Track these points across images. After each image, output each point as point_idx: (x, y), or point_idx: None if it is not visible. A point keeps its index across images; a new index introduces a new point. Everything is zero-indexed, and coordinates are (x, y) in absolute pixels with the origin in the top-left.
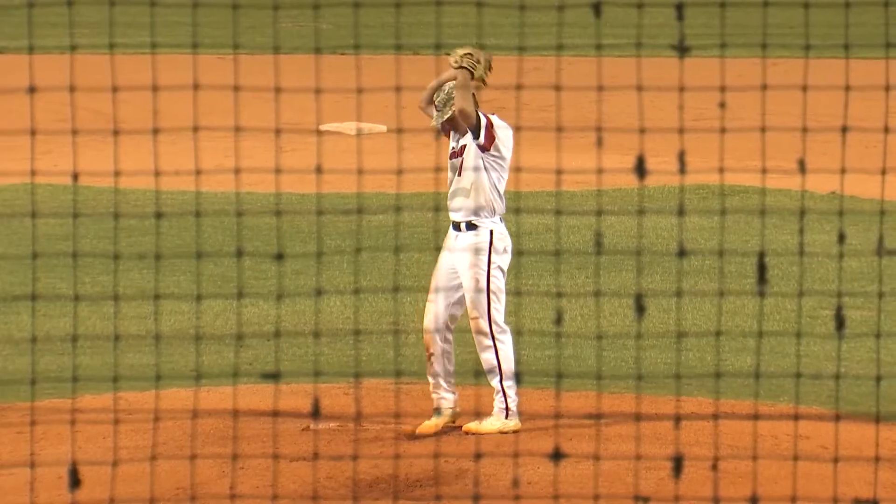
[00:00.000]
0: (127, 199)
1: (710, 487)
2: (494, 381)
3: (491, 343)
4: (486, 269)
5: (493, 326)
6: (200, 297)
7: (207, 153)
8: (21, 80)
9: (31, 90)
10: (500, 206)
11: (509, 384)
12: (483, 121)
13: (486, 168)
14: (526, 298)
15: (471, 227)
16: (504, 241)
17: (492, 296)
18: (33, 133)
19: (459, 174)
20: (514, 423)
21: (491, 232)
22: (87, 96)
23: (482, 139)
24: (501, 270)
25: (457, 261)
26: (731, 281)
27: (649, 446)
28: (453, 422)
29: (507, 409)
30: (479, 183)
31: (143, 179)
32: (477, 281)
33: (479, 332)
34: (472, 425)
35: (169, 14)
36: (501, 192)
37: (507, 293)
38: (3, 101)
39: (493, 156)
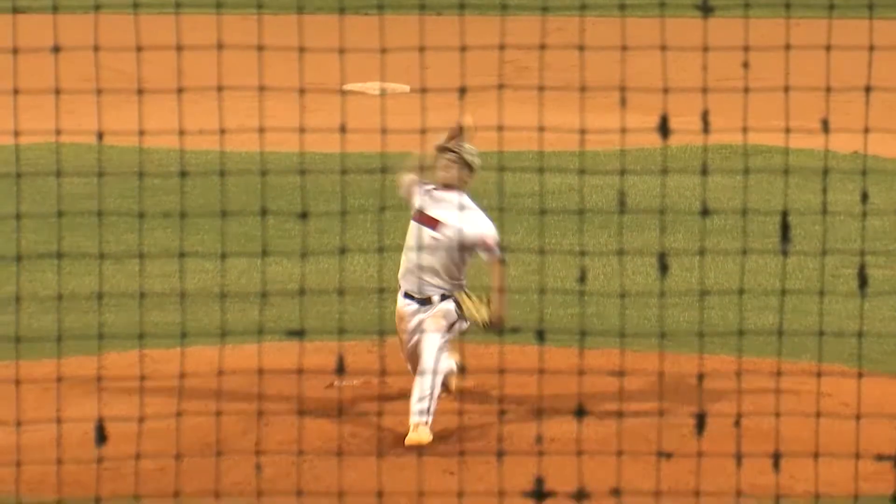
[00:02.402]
0: (151, 158)
1: (732, 444)
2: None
3: None
4: None
5: None
6: (225, 256)
7: (231, 113)
8: (45, 39)
9: (56, 50)
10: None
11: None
12: (497, 252)
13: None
14: (549, 257)
15: None
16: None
17: None
18: (57, 93)
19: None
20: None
21: None
22: (112, 56)
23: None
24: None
25: None
26: (754, 240)
27: (672, 403)
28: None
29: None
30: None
31: (168, 139)
32: None
33: None
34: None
35: None
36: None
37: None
38: (26, 60)
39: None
